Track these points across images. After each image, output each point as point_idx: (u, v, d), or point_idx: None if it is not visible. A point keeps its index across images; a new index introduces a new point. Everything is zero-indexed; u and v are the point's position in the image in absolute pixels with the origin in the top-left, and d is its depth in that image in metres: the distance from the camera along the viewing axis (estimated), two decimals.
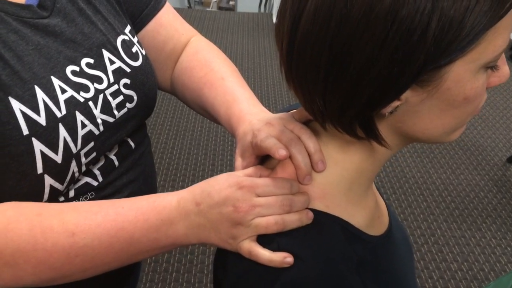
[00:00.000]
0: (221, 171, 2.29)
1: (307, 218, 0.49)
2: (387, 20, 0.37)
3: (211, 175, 2.25)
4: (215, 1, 6.49)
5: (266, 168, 0.54)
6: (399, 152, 2.48)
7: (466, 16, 0.37)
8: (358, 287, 0.47)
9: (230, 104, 0.66)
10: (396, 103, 0.42)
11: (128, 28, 0.69)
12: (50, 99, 0.55)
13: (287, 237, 0.48)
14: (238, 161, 0.58)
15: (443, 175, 2.34)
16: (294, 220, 0.48)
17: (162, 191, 2.12)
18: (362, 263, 0.49)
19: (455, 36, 0.38)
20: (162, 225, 0.50)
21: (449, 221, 2.07)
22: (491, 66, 0.43)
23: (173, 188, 2.17)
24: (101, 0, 0.66)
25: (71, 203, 0.54)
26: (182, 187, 2.19)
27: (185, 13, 4.32)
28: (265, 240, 0.49)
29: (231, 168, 2.31)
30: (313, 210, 0.49)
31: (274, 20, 3.94)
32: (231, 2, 6.69)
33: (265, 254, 0.47)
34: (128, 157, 0.68)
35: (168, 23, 0.77)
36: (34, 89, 0.54)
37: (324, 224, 0.49)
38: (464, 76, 0.41)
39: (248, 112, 0.62)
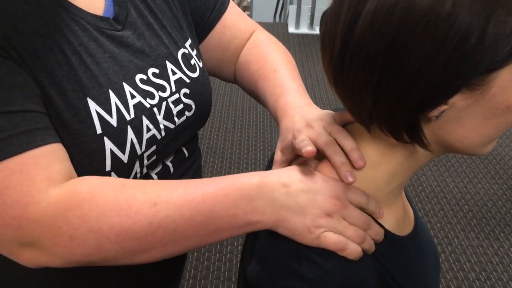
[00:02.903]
0: None
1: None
2: (448, 21, 0.39)
3: None
4: None
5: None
6: None
7: None
8: (372, 277, 0.50)
9: (278, 96, 0.70)
10: (443, 107, 0.44)
11: (189, 42, 0.75)
12: (122, 103, 0.60)
13: None
14: (278, 155, 0.61)
15: (460, 184, 2.32)
16: (370, 243, 0.51)
17: None
18: (380, 258, 0.52)
19: (509, 41, 0.40)
20: (241, 200, 0.50)
21: (467, 230, 2.05)
22: None
23: None
24: (168, 15, 0.71)
25: (149, 180, 0.57)
26: None
27: None
28: (288, 240, 0.51)
29: None
30: None
31: (289, 30, 3.96)
32: (246, 12, 6.76)
33: (358, 248, 0.49)
34: (182, 164, 0.73)
35: (232, 23, 0.83)
36: (109, 93, 0.59)
37: None
38: (509, 84, 0.44)
39: (292, 105, 0.65)
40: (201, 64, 0.75)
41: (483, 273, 1.85)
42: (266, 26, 4.28)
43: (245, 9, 6.73)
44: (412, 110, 0.44)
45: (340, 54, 0.46)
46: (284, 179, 0.51)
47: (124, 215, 0.50)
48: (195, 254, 1.88)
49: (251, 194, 0.50)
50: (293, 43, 3.78)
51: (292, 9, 4.05)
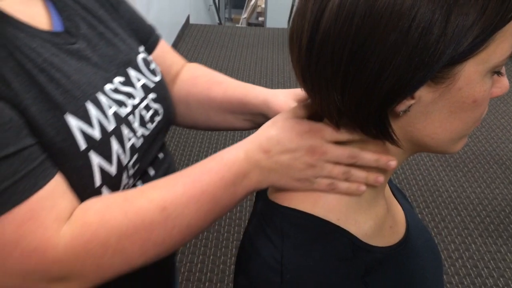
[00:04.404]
0: None
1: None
2: (411, 12, 0.40)
3: None
4: (245, 18, 6.59)
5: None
6: (431, 166, 2.46)
7: (480, 14, 0.41)
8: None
9: (246, 86, 0.74)
10: (410, 101, 0.44)
11: (142, 47, 0.75)
12: (101, 114, 0.59)
13: (292, 248, 0.50)
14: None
15: (478, 189, 2.30)
16: (360, 176, 0.52)
17: None
18: (370, 272, 0.50)
19: (472, 33, 0.41)
20: (236, 178, 0.54)
21: (484, 236, 2.03)
22: (497, 71, 0.45)
23: None
24: (115, 24, 0.71)
25: (144, 185, 0.57)
26: None
27: (216, 29, 4.40)
28: (270, 254, 0.51)
29: None
30: (323, 221, 0.51)
31: None
32: (260, 18, 6.78)
33: (353, 187, 0.51)
34: (160, 167, 0.73)
35: (169, 50, 0.85)
36: (86, 105, 0.57)
37: (333, 236, 0.51)
38: (474, 78, 0.44)
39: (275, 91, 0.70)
40: (159, 68, 0.75)
41: (501, 279, 1.83)
42: (280, 31, 4.29)
43: (259, 15, 6.77)
44: (379, 103, 0.44)
45: (307, 50, 0.46)
46: (264, 145, 0.53)
47: (141, 229, 0.52)
48: (187, 265, 1.89)
49: (242, 170, 0.54)
50: None
51: None
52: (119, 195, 0.55)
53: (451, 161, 2.50)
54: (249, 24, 6.32)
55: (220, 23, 6.04)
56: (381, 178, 0.52)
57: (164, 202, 0.53)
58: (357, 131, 0.49)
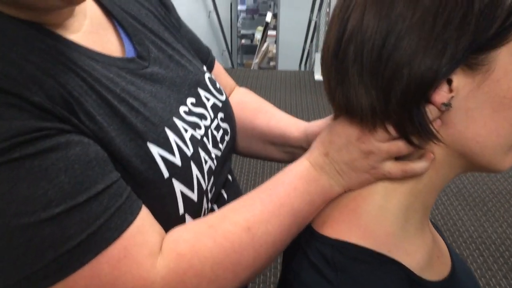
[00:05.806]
0: None
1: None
2: None
3: None
4: (256, 62, 6.71)
5: None
6: (450, 205, 2.41)
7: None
8: None
9: (289, 119, 0.73)
10: (449, 94, 0.44)
11: (205, 67, 0.76)
12: (180, 139, 0.58)
13: (350, 283, 0.48)
14: None
15: (499, 229, 2.24)
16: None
17: None
18: None
19: (502, 12, 0.42)
20: (309, 186, 0.54)
21: (509, 278, 1.95)
22: None
23: None
24: (181, 46, 0.72)
25: (222, 209, 0.56)
26: None
27: (229, 72, 4.46)
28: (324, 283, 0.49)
29: None
30: (378, 254, 0.49)
31: (316, 77, 4.02)
32: (271, 63, 6.90)
33: (419, 164, 0.49)
34: (230, 189, 0.73)
35: (223, 73, 0.87)
36: (165, 131, 0.57)
37: (389, 269, 0.49)
38: (511, 68, 0.43)
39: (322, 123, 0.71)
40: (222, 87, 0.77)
41: None
42: (292, 74, 4.35)
43: (270, 60, 6.89)
44: (415, 89, 0.43)
45: (334, 52, 0.47)
46: (322, 150, 0.54)
47: (231, 252, 0.52)
48: None
49: (312, 177, 0.54)
50: (320, 90, 3.82)
51: (318, 57, 4.13)
52: (202, 222, 0.54)
53: (469, 200, 2.45)
54: (260, 69, 6.43)
55: (232, 67, 6.15)
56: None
57: (248, 222, 0.53)
58: (392, 139, 0.49)
